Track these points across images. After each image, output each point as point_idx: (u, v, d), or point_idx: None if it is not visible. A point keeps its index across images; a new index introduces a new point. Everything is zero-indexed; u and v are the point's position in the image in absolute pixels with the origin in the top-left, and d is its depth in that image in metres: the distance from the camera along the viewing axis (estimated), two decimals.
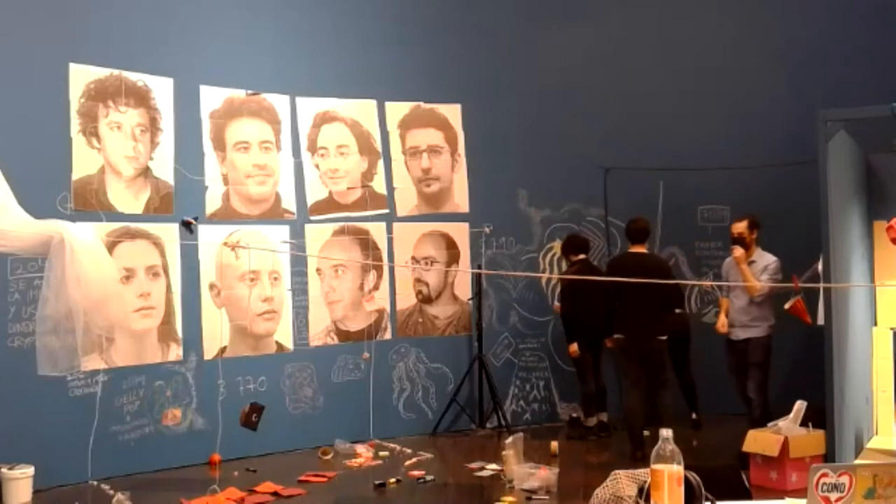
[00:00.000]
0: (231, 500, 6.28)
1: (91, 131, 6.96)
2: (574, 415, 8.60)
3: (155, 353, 7.23)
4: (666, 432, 2.53)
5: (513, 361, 8.91)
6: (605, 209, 9.11)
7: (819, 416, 6.12)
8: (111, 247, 6.85)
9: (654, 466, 2.52)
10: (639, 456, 6.88)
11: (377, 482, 6.67)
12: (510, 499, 6.14)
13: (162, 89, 7.38)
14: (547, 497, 6.18)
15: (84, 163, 6.90)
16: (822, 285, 6.19)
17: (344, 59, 8.30)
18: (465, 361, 8.66)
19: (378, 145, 8.53)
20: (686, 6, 9.08)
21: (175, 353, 7.34)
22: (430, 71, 8.66)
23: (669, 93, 8.94)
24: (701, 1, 9.13)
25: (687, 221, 9.11)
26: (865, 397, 6.65)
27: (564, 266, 8.57)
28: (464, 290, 8.81)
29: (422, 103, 8.74)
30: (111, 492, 6.22)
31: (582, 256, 8.25)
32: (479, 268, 8.68)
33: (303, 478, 6.84)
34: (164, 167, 7.38)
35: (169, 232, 7.36)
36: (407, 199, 8.64)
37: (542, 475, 6.30)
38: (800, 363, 7.75)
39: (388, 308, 8.47)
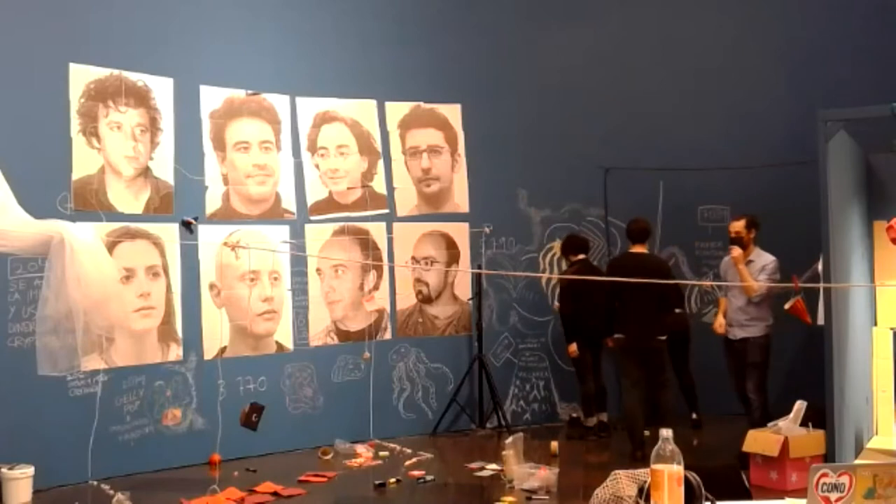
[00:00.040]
0: (231, 500, 6.28)
1: (91, 131, 6.96)
2: (574, 415, 8.60)
3: (155, 353, 7.23)
4: (666, 432, 2.53)
5: (513, 361, 8.91)
6: (605, 209, 9.11)
7: (819, 416, 6.12)
8: (111, 247, 6.85)
9: (654, 466, 2.52)
10: (639, 456, 6.88)
11: (377, 482, 6.68)
12: (510, 499, 6.14)
13: (162, 89, 7.38)
14: (547, 497, 6.18)
15: (84, 163, 6.91)
16: (822, 285, 6.19)
17: (344, 59, 8.30)
18: (465, 361, 8.66)
19: (378, 145, 8.53)
20: (686, 6, 9.08)
21: (175, 353, 7.34)
22: (430, 71, 8.66)
23: (669, 93, 8.94)
24: (701, 1, 9.13)
25: (687, 221, 9.11)
26: (865, 397, 6.65)
27: (564, 266, 8.57)
28: (464, 290, 8.81)
29: (422, 103, 8.74)
30: (111, 492, 6.22)
31: (582, 256, 8.25)
32: (479, 268, 8.68)
33: (303, 478, 6.84)
34: (164, 167, 7.38)
35: (169, 232, 7.36)
36: (407, 199, 8.64)
37: (542, 475, 6.30)
38: (800, 363, 7.75)
39: (388, 308, 8.47)
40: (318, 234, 8.17)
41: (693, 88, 8.94)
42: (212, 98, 7.70)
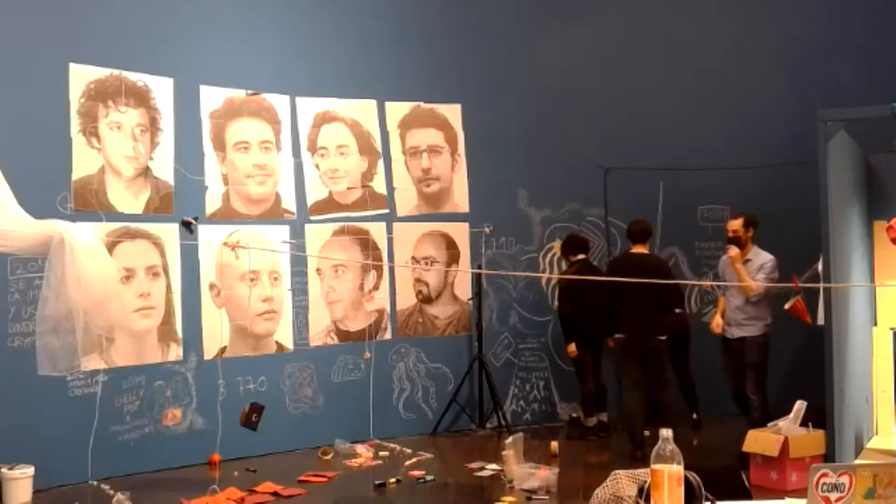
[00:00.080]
0: (231, 500, 6.28)
1: (91, 131, 6.96)
2: (574, 415, 8.60)
3: (155, 353, 7.23)
4: (666, 432, 2.53)
5: (513, 361, 8.91)
6: (605, 209, 9.11)
7: (819, 416, 6.12)
8: (111, 247, 6.85)
9: (654, 466, 2.52)
10: (639, 456, 6.88)
11: (377, 482, 6.68)
12: (510, 499, 6.14)
13: (162, 89, 7.38)
14: (547, 497, 6.18)
15: (84, 163, 6.91)
16: (822, 285, 6.19)
17: (344, 59, 8.30)
18: (465, 361, 8.66)
19: (378, 145, 8.53)
20: (686, 6, 9.08)
21: (175, 353, 7.34)
22: (430, 71, 8.66)
23: (669, 93, 8.94)
24: (701, 1, 9.13)
25: (687, 221, 9.11)
26: (865, 397, 6.65)
27: (564, 266, 8.57)
28: (464, 290, 8.81)
29: (422, 103, 8.74)
30: (111, 492, 6.22)
31: (581, 256, 8.25)
32: (479, 268, 8.68)
33: (303, 478, 6.84)
34: (164, 167, 7.38)
35: (169, 232, 7.36)
36: (407, 199, 8.64)
37: (542, 475, 6.30)
38: (800, 363, 7.75)
39: (388, 308, 8.48)
40: (318, 234, 8.17)
41: (693, 88, 8.94)
42: (212, 98, 7.70)
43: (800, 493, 3.48)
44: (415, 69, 8.58)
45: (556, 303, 8.67)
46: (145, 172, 7.27)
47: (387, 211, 8.52)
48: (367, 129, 8.49)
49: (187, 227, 7.42)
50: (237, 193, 7.79)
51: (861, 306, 6.70)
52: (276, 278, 7.91)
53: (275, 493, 6.46)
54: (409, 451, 7.63)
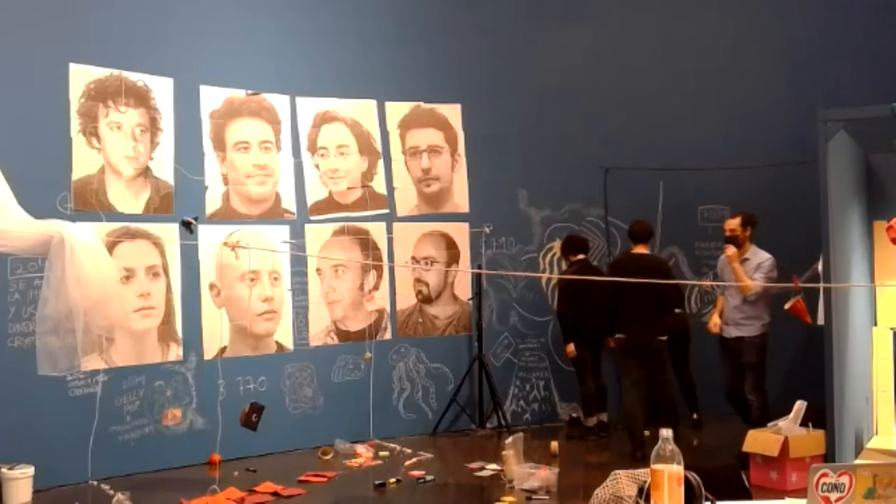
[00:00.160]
0: (231, 500, 6.28)
1: (91, 131, 6.96)
2: (574, 415, 8.59)
3: (155, 353, 7.23)
4: (666, 432, 2.53)
5: (513, 361, 8.91)
6: (605, 209, 9.11)
7: (819, 416, 6.12)
8: (111, 247, 6.85)
9: (654, 466, 2.52)
10: (639, 456, 6.89)
11: (377, 482, 6.68)
12: (510, 499, 6.14)
13: (162, 89, 7.38)
14: (547, 497, 6.18)
15: (84, 163, 6.91)
16: (822, 285, 6.19)
17: (344, 59, 8.30)
18: (465, 361, 8.66)
19: (378, 145, 8.53)
20: (686, 6, 9.08)
21: (175, 353, 7.34)
22: (430, 71, 8.66)
23: (669, 93, 8.94)
24: (701, 1, 9.13)
25: (687, 221, 9.10)
26: (865, 397, 6.65)
27: (564, 266, 8.57)
28: (464, 290, 8.81)
29: (422, 103, 8.74)
30: (111, 492, 6.22)
31: (581, 256, 8.25)
32: (479, 268, 8.68)
33: (303, 478, 6.84)
34: (164, 167, 7.38)
35: (169, 232, 7.36)
36: (407, 199, 8.64)
37: (542, 475, 6.30)
38: (800, 363, 7.75)
39: (388, 308, 8.47)
40: (318, 234, 8.17)
41: (693, 88, 8.94)
42: (212, 98, 7.70)
43: (800, 493, 3.48)
44: (415, 69, 8.58)
45: (555, 303, 8.67)
46: (145, 172, 7.27)
47: (387, 211, 8.52)
48: (367, 129, 8.49)
49: (187, 227, 7.42)
50: (237, 193, 7.79)
51: (861, 306, 6.70)
52: (276, 278, 7.91)
53: (275, 493, 6.46)
54: (409, 451, 7.63)
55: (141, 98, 7.25)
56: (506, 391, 8.80)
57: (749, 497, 3.50)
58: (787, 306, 7.05)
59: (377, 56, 8.41)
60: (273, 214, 7.96)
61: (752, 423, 6.85)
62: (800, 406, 6.37)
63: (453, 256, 8.81)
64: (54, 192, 6.67)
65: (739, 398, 7.12)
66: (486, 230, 8.80)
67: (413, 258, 8.65)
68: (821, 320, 6.39)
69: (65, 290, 4.84)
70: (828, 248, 5.93)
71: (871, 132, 6.57)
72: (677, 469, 2.51)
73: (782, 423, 6.39)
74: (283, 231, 8.00)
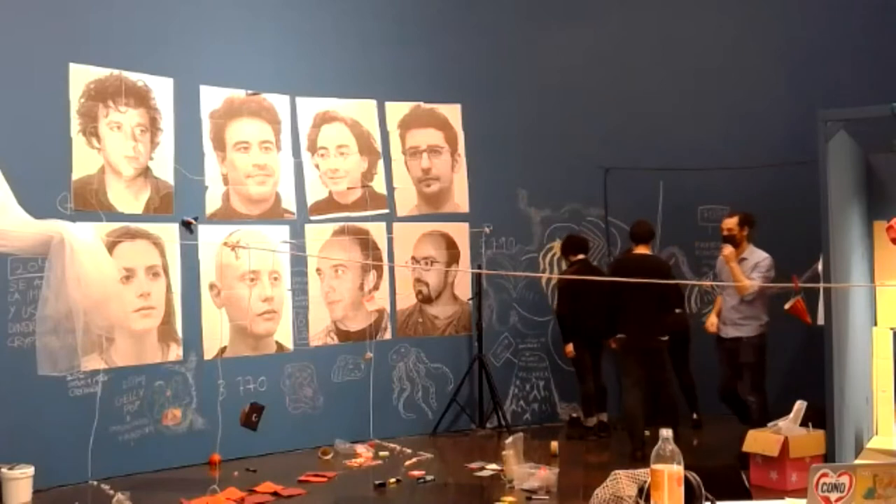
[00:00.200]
0: (231, 500, 6.28)
1: (91, 131, 6.96)
2: (574, 415, 8.60)
3: (155, 353, 7.23)
4: (666, 432, 2.53)
5: (513, 361, 8.91)
6: (605, 209, 9.11)
7: (819, 416, 6.12)
8: (111, 247, 6.85)
9: (654, 466, 2.52)
10: (639, 456, 6.89)
11: (377, 482, 6.68)
12: (510, 499, 6.14)
13: (162, 89, 7.38)
14: (547, 497, 6.18)
15: (84, 163, 6.91)
16: (822, 285, 6.19)
17: (344, 59, 8.30)
18: (465, 361, 8.66)
19: (378, 145, 8.53)
20: (686, 6, 9.08)
21: (175, 353, 7.34)
22: (430, 71, 8.66)
23: (669, 93, 8.94)
24: (701, 1, 9.13)
25: (687, 221, 9.10)
26: (865, 397, 6.65)
27: (564, 266, 8.57)
28: (464, 290, 8.81)
29: (422, 103, 8.74)
30: (111, 492, 6.22)
31: (581, 256, 8.25)
32: (479, 268, 8.68)
33: (303, 478, 6.84)
34: (164, 167, 7.38)
35: (169, 232, 7.36)
36: (407, 199, 8.64)
37: (542, 475, 6.30)
38: (800, 363, 7.75)
39: (388, 308, 8.47)
40: (318, 234, 8.17)
41: (693, 88, 8.94)
42: (212, 98, 7.70)
43: (800, 493, 3.48)
44: (415, 69, 8.58)
45: (555, 303, 8.67)
46: (145, 172, 7.27)
47: (387, 211, 8.52)
48: (367, 129, 8.50)
49: (187, 227, 7.42)
50: (237, 193, 7.79)
51: (861, 306, 6.70)
52: (276, 278, 7.91)
53: (275, 493, 6.46)
54: (409, 451, 7.63)
55: (141, 98, 7.25)
56: (506, 391, 8.80)
57: (749, 497, 3.50)
58: (787, 306, 7.04)
59: (377, 56, 8.41)
60: (273, 214, 7.96)
61: (748, 423, 6.86)
62: (800, 406, 6.37)
63: (453, 256, 8.81)
64: (54, 192, 6.66)
65: (734, 398, 7.12)
66: (486, 230, 8.80)
67: (413, 258, 8.65)
68: (821, 320, 6.39)
69: (65, 290, 4.84)
70: (828, 248, 5.93)
71: (871, 132, 6.57)
72: (677, 469, 2.50)
73: (782, 423, 6.38)
74: (283, 231, 8.00)
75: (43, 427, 6.46)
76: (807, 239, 6.63)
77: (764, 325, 6.99)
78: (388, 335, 8.47)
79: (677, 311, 7.93)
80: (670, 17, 9.08)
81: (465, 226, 8.82)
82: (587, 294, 7.79)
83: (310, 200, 8.15)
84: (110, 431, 6.85)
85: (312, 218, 8.15)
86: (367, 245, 8.39)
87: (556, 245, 8.82)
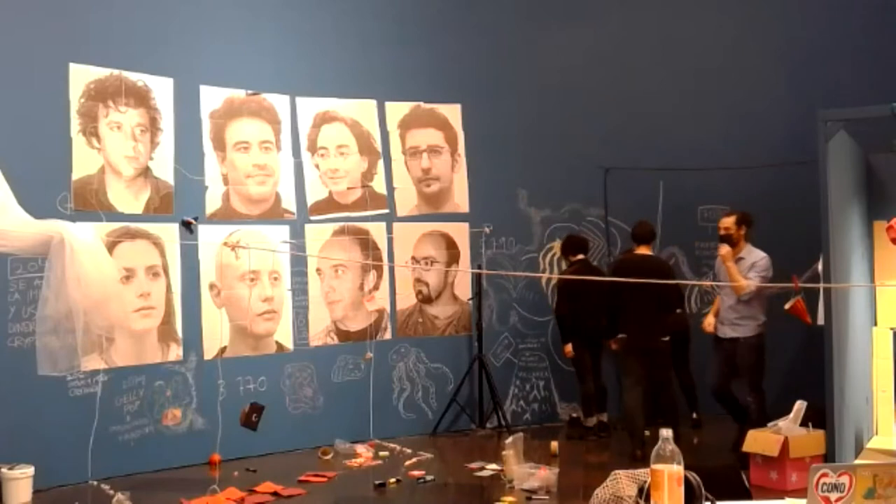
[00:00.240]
0: (231, 500, 6.28)
1: (91, 131, 6.96)
2: (574, 415, 8.60)
3: (155, 353, 7.23)
4: (666, 432, 2.53)
5: (513, 361, 8.91)
6: (605, 209, 9.11)
7: (819, 416, 6.12)
8: (111, 247, 6.85)
9: (654, 466, 2.52)
10: (639, 456, 6.89)
11: (377, 482, 6.68)
12: (510, 499, 6.14)
13: (162, 89, 7.38)
14: (547, 497, 6.18)
15: (84, 163, 6.91)
16: (822, 285, 6.19)
17: (344, 59, 8.30)
18: (465, 361, 8.66)
19: (378, 145, 8.53)
20: (686, 6, 9.08)
21: (175, 353, 7.34)
22: (430, 71, 8.66)
23: (669, 93, 8.94)
24: (701, 1, 9.13)
25: (687, 221, 9.10)
26: (865, 397, 6.65)
27: (564, 266, 8.58)
28: (464, 290, 8.81)
29: (422, 103, 8.74)
30: (111, 492, 6.23)
31: (581, 256, 8.25)
32: (479, 268, 8.68)
33: (303, 478, 6.84)
34: (164, 167, 7.38)
35: (169, 232, 7.36)
36: (407, 199, 8.64)
37: (542, 475, 6.30)
38: (800, 363, 7.75)
39: (388, 308, 8.48)
40: (318, 234, 8.17)
41: (693, 88, 8.94)
42: (212, 98, 7.70)
43: (800, 493, 3.48)
44: (415, 69, 8.58)
45: (555, 303, 8.67)
46: (145, 172, 7.27)
47: (387, 211, 8.52)
48: (367, 129, 8.50)
49: (187, 227, 7.42)
50: (237, 193, 7.79)
51: (861, 306, 6.70)
52: (276, 278, 7.91)
53: (275, 493, 6.46)
54: (409, 451, 7.63)
55: (141, 98, 7.25)
56: (506, 391, 8.81)
57: (749, 497, 3.50)
58: (787, 306, 7.03)
59: (377, 56, 8.41)
60: (273, 214, 7.96)
61: (743, 422, 6.86)
62: (800, 406, 6.37)
63: (453, 256, 8.81)
64: (54, 192, 6.67)
65: (728, 397, 7.11)
66: (486, 230, 8.80)
67: (413, 258, 8.65)
68: (821, 320, 6.38)
69: (65, 290, 4.84)
70: (828, 248, 5.93)
71: (871, 132, 6.57)
72: (677, 469, 2.50)
73: (782, 423, 6.38)
74: (283, 231, 8.00)
75: (43, 427, 6.46)
76: (807, 239, 6.63)
77: (762, 325, 6.98)
78: (388, 335, 8.47)
79: (677, 311, 7.93)
80: (670, 17, 9.08)
81: (465, 226, 8.83)
82: (587, 294, 7.79)
83: (310, 200, 8.15)
84: (110, 431, 6.85)
85: (312, 218, 8.15)
86: (367, 245, 8.39)
87: (556, 245, 8.82)
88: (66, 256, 4.85)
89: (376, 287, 8.44)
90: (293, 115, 8.13)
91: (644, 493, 2.72)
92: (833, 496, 2.52)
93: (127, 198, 7.15)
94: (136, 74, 7.22)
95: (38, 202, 5.64)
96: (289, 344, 7.97)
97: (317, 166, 8.24)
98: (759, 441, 6.36)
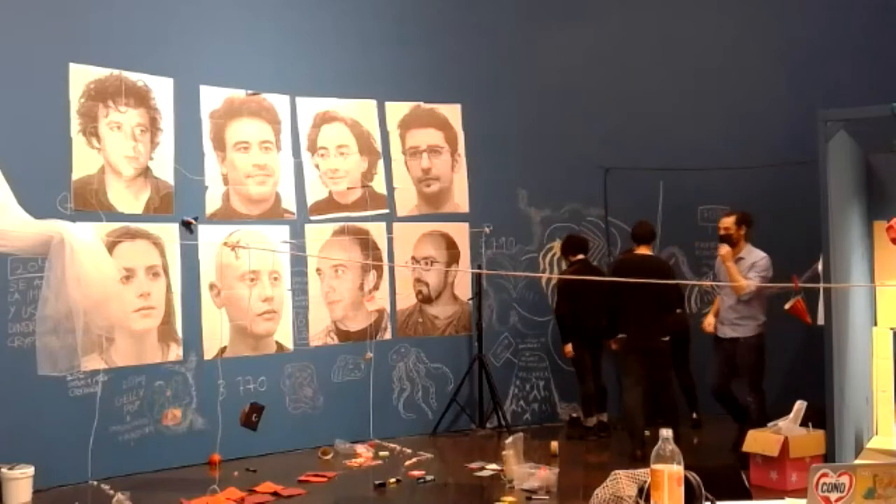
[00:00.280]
0: (231, 500, 6.28)
1: (91, 131, 6.96)
2: (574, 415, 8.60)
3: (155, 353, 7.23)
4: (666, 432, 2.53)
5: (513, 361, 8.91)
6: (605, 209, 9.11)
7: (819, 416, 6.12)
8: (111, 247, 6.85)
9: (654, 466, 2.52)
10: (639, 455, 6.89)
11: (377, 482, 6.68)
12: (510, 499, 6.14)
13: (162, 89, 7.38)
14: (547, 497, 6.18)
15: (84, 163, 6.91)
16: (822, 285, 6.19)
17: (344, 59, 8.30)
18: (465, 361, 8.66)
19: (378, 145, 8.53)
20: (686, 6, 9.08)
21: (175, 353, 7.34)
22: (430, 71, 8.66)
23: (669, 93, 8.94)
24: (701, 1, 9.13)
25: (687, 221, 9.10)
26: (865, 397, 6.65)
27: (564, 266, 8.58)
28: (464, 290, 8.81)
29: (422, 103, 8.74)
30: (111, 492, 6.23)
31: (581, 256, 8.25)
32: (479, 268, 8.68)
33: (303, 478, 6.84)
34: (164, 167, 7.38)
35: (169, 232, 7.36)
36: (407, 199, 8.64)
37: (542, 475, 6.30)
38: (800, 363, 7.75)
39: (388, 308, 8.48)
40: (318, 234, 8.17)
41: (693, 88, 8.94)
42: (212, 98, 7.70)
43: (800, 493, 3.48)
44: (415, 69, 8.58)
45: (555, 303, 8.67)
46: (145, 172, 7.27)
47: (387, 211, 8.52)
48: (367, 129, 8.50)
49: (187, 227, 7.42)
50: (237, 193, 7.79)
51: (861, 306, 6.70)
52: (276, 278, 7.91)
53: (275, 493, 6.46)
54: (409, 451, 7.63)
55: (141, 98, 7.25)
56: (506, 391, 8.81)
57: (749, 497, 3.50)
58: (787, 306, 7.03)
59: (377, 56, 8.41)
60: (273, 214, 7.96)
61: (743, 422, 6.86)
62: (800, 406, 6.37)
63: (453, 256, 8.81)
64: (54, 192, 6.67)
65: (728, 397, 7.11)
66: (486, 230, 8.80)
67: (413, 258, 8.65)
68: (821, 320, 6.38)
69: (65, 290, 4.84)
70: (828, 248, 5.93)
71: (871, 132, 6.57)
72: (677, 469, 2.50)
73: (782, 423, 6.38)
74: (283, 231, 8.00)
75: (43, 427, 6.46)
76: (807, 239, 6.63)
77: (762, 325, 6.98)
78: (388, 335, 8.47)
79: (678, 311, 7.93)
80: (670, 17, 9.08)
81: (465, 226, 8.83)
82: (587, 294, 7.79)
83: (310, 200, 8.15)
84: (110, 431, 6.85)
85: (312, 218, 8.15)
86: (367, 245, 8.39)
87: (556, 245, 8.82)
88: (66, 256, 4.85)
89: (376, 287, 8.44)
90: (293, 115, 8.13)
91: (644, 493, 2.72)
92: (833, 496, 2.52)
93: (127, 198, 7.15)
94: (136, 74, 7.22)
95: (38, 202, 5.64)
96: (289, 344, 7.97)
97: (317, 166, 8.24)
98: (759, 441, 6.36)
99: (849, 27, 8.55)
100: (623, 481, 3.11)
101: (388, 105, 8.59)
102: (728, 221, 7.11)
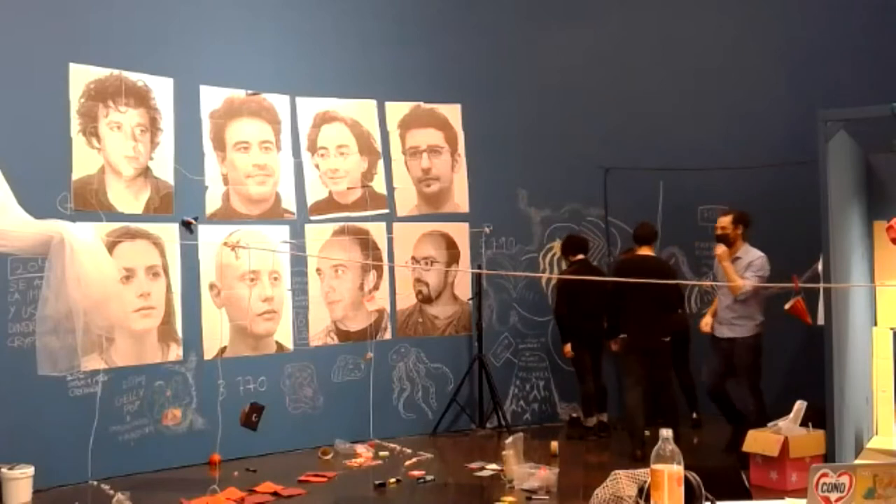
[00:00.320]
0: (231, 500, 6.28)
1: (91, 131, 6.96)
2: (574, 415, 8.60)
3: (155, 353, 7.23)
4: (666, 432, 2.53)
5: (513, 361, 8.91)
6: (605, 209, 9.12)
7: (819, 416, 6.12)
8: (111, 247, 6.85)
9: (654, 466, 2.52)
10: (639, 455, 6.89)
11: (377, 482, 6.68)
12: (510, 499, 6.14)
13: (162, 89, 7.38)
14: (547, 497, 6.18)
15: (84, 163, 6.91)
16: (822, 285, 6.19)
17: (344, 59, 8.30)
18: (465, 361, 8.66)
19: (378, 145, 8.53)
20: (686, 6, 9.07)
21: (175, 353, 7.34)
22: (430, 71, 8.66)
23: (669, 93, 8.94)
24: (701, 1, 9.13)
25: (687, 221, 9.10)
26: (865, 397, 6.65)
27: (564, 266, 8.58)
28: (464, 290, 8.81)
29: (422, 103, 8.74)
30: (111, 492, 6.23)
31: (581, 256, 8.25)
32: (479, 268, 8.68)
33: (303, 478, 6.84)
34: (164, 167, 7.38)
35: (169, 232, 7.36)
36: (407, 199, 8.64)
37: (542, 475, 6.30)
38: (800, 363, 7.74)
39: (388, 308, 8.48)
40: (318, 234, 8.17)
41: (693, 88, 8.93)
42: (212, 98, 7.70)
43: (800, 493, 3.48)
44: (415, 69, 8.59)
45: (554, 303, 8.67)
46: (145, 172, 7.27)
47: (387, 211, 8.52)
48: (367, 129, 8.50)
49: (187, 227, 7.42)
50: (237, 193, 7.79)
51: (861, 306, 6.70)
52: (276, 278, 7.91)
53: (275, 493, 6.46)
54: (409, 451, 7.64)
55: (141, 98, 7.25)
56: (506, 391, 8.81)
57: (749, 497, 3.50)
58: (787, 306, 7.02)
59: (377, 56, 8.41)
60: (273, 214, 7.96)
61: (736, 423, 6.86)
62: (800, 406, 6.37)
63: (453, 256, 8.81)
64: (54, 192, 6.67)
65: (722, 397, 7.11)
66: (486, 230, 8.80)
67: (413, 258, 8.65)
68: (821, 320, 6.38)
69: (65, 290, 4.84)
70: (828, 248, 5.93)
71: (871, 132, 6.57)
72: (677, 469, 2.51)
73: (782, 423, 6.38)
74: (283, 231, 8.00)
75: (43, 427, 6.46)
76: (807, 239, 6.63)
77: (759, 325, 6.98)
78: (388, 335, 8.47)
79: (678, 311, 7.93)
80: (670, 17, 9.08)
81: (465, 226, 8.83)
82: (586, 294, 7.79)
83: (310, 200, 8.15)
84: (110, 431, 6.85)
85: (312, 218, 8.15)
86: (367, 245, 8.39)
87: (556, 245, 8.82)
88: (66, 256, 4.85)
89: (376, 287, 8.44)
90: (293, 115, 8.13)
91: (644, 493, 2.72)
92: (833, 496, 2.52)
93: (127, 198, 7.15)
94: (136, 74, 7.22)
95: (38, 202, 5.64)
96: (289, 344, 7.97)
97: (317, 166, 8.24)
98: (759, 441, 6.36)
99: (849, 27, 8.54)
100: (623, 481, 3.11)
101: (388, 105, 8.60)
102: (725, 221, 7.11)
